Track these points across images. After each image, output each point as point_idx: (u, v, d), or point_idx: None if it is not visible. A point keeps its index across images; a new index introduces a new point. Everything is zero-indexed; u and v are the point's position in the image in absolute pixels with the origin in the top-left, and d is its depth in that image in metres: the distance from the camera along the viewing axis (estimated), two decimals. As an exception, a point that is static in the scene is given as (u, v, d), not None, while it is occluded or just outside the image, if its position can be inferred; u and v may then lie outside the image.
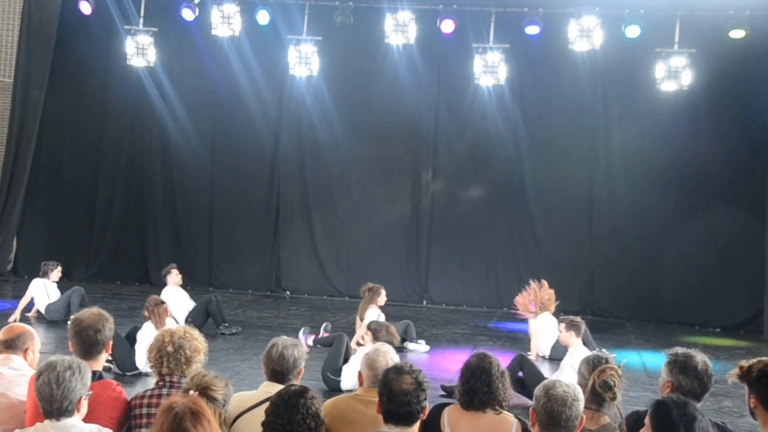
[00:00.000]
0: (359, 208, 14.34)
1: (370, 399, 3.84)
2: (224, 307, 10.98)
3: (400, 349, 9.90)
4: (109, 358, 7.96)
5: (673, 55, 12.16)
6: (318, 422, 3.48)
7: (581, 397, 3.28)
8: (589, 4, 12.14)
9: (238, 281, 14.41)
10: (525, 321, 10.69)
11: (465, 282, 13.96)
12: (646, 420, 3.12)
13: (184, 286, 11.12)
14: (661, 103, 12.77)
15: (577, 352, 7.44)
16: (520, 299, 10.37)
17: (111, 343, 4.06)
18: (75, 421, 3.35)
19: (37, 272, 10.92)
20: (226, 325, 10.35)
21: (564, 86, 13.38)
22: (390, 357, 4.19)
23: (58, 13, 13.46)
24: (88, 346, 3.92)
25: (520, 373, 7.54)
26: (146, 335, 7.76)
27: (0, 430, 3.77)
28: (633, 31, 12.09)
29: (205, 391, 3.47)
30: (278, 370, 4.07)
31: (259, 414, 3.60)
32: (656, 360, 9.61)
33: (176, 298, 10.48)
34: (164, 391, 3.91)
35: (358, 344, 9.08)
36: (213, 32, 12.99)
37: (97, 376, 3.82)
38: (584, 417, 3.29)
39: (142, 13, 13.37)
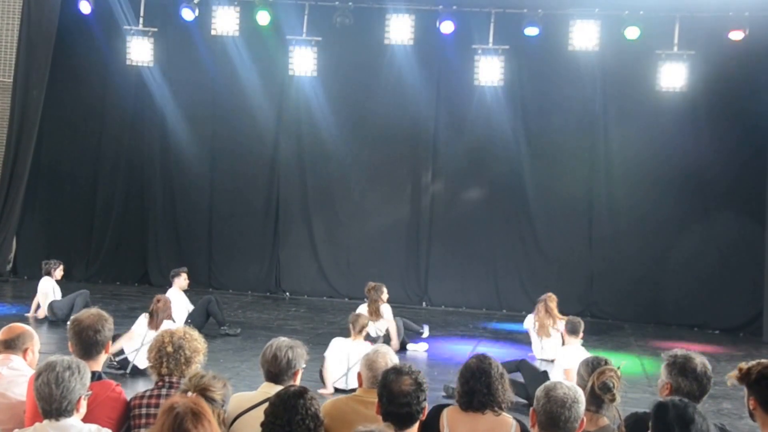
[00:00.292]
0: (359, 210, 14.34)
1: (369, 400, 3.84)
2: (224, 308, 11.01)
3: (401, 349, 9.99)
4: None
5: (673, 56, 12.16)
6: (317, 423, 3.48)
7: (582, 400, 3.28)
8: (588, 5, 12.16)
9: (237, 282, 14.41)
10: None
11: (464, 283, 13.96)
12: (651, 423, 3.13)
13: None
14: (661, 104, 12.78)
15: (571, 350, 7.48)
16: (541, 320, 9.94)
17: (110, 343, 4.05)
18: (74, 421, 3.35)
19: (37, 272, 10.92)
20: (228, 325, 10.40)
21: (563, 87, 13.38)
22: (390, 358, 4.19)
23: (58, 12, 13.47)
24: (87, 347, 3.92)
25: (516, 375, 7.55)
26: (138, 326, 8.11)
27: (-1, 430, 3.78)
28: (632, 33, 12.09)
29: (203, 391, 3.46)
30: (272, 371, 4.08)
31: (259, 414, 3.60)
32: (655, 361, 9.61)
33: (178, 301, 10.49)
34: (163, 391, 3.90)
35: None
36: (213, 32, 13.01)
37: (96, 376, 3.82)
38: (584, 420, 3.29)
39: (141, 13, 13.39)
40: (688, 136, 12.92)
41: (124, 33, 13.38)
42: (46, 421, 3.33)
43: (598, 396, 3.60)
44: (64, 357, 3.45)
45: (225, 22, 12.88)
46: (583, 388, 3.60)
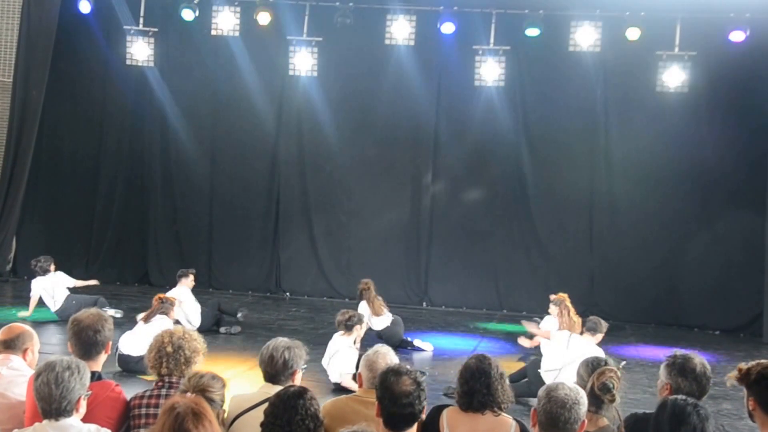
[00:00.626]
0: (359, 210, 14.34)
1: (369, 400, 3.84)
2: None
3: (407, 345, 10.11)
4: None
5: (674, 57, 12.16)
6: (317, 423, 3.48)
7: (583, 401, 3.28)
8: (589, 6, 12.16)
9: (237, 282, 14.41)
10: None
11: (465, 284, 13.96)
12: None
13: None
14: (662, 105, 12.78)
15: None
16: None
17: (110, 343, 4.06)
18: (74, 421, 3.35)
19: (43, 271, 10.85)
20: (228, 325, 10.57)
21: (564, 88, 13.38)
22: (389, 358, 4.19)
23: (58, 12, 13.45)
24: (87, 347, 3.93)
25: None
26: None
27: (-1, 430, 3.78)
28: (633, 34, 12.09)
29: (202, 392, 3.47)
30: (269, 372, 4.10)
31: (258, 415, 3.60)
32: (655, 361, 9.60)
33: (189, 299, 10.55)
34: (163, 391, 3.91)
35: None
36: (213, 32, 13.00)
37: (96, 376, 3.83)
38: (585, 421, 3.29)
39: (141, 13, 13.38)
40: (688, 137, 12.92)
41: (124, 33, 13.38)
42: (45, 421, 3.33)
43: (598, 396, 3.60)
44: (64, 357, 3.46)
45: (225, 22, 12.88)
46: (583, 388, 3.60)
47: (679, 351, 3.93)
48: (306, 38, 13.02)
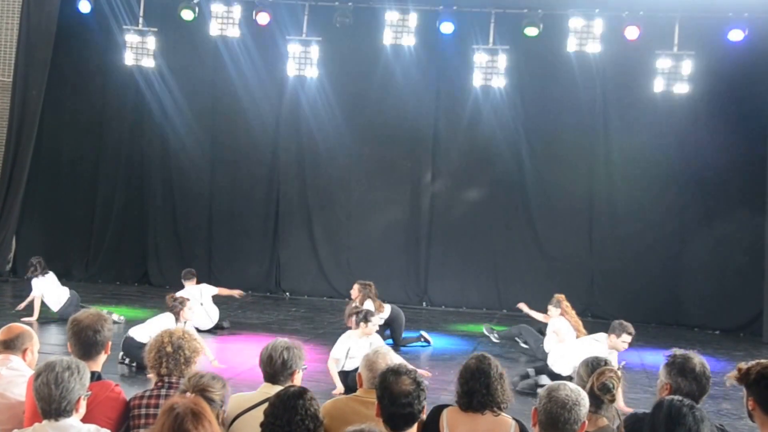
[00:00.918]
0: (359, 209, 14.34)
1: (369, 400, 3.84)
2: (223, 307, 11.19)
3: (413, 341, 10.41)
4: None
5: (673, 56, 12.16)
6: (317, 423, 3.49)
7: (584, 403, 3.28)
8: (588, 5, 12.16)
9: (237, 282, 14.29)
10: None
11: (465, 283, 13.96)
12: None
13: (182, 286, 11.11)
14: (660, 104, 12.78)
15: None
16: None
17: (110, 343, 4.06)
18: (73, 421, 3.35)
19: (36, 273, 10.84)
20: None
21: (564, 87, 13.38)
22: (390, 358, 4.19)
23: (58, 12, 13.45)
24: (86, 347, 3.92)
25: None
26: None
27: (-2, 430, 3.78)
28: (632, 33, 12.09)
29: (202, 392, 3.47)
30: (268, 372, 4.11)
31: (258, 415, 3.61)
32: (655, 362, 9.61)
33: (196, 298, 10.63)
34: (163, 391, 3.91)
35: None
36: (212, 32, 12.99)
37: (95, 376, 3.83)
38: (586, 423, 3.29)
39: (141, 13, 13.37)
40: (687, 137, 12.93)
41: (124, 33, 13.37)
42: (45, 422, 3.33)
43: (598, 396, 3.60)
44: (64, 357, 3.45)
45: (224, 21, 12.86)
46: (583, 388, 3.60)
47: (678, 350, 3.92)
48: (305, 38, 13.02)
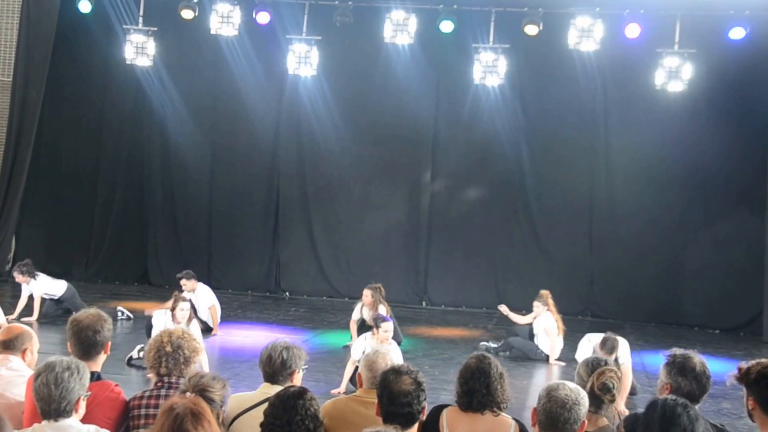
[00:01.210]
0: (359, 209, 14.33)
1: (369, 400, 3.84)
2: (223, 307, 11.13)
3: None
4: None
5: (674, 55, 12.15)
6: (317, 423, 3.49)
7: (584, 402, 3.27)
8: (589, 3, 12.13)
9: (237, 282, 14.40)
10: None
11: (464, 283, 13.96)
12: None
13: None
14: (661, 102, 12.77)
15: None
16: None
17: (110, 344, 4.05)
18: (73, 421, 3.35)
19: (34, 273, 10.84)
20: None
21: (564, 86, 13.37)
22: (389, 358, 4.20)
23: (57, 12, 13.44)
24: (86, 347, 3.92)
25: None
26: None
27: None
28: (633, 31, 12.08)
29: (202, 392, 3.46)
30: (268, 371, 4.11)
31: (258, 415, 3.61)
32: (655, 361, 9.61)
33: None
34: (162, 392, 3.90)
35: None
36: (212, 32, 12.98)
37: (95, 376, 3.82)
38: (586, 422, 3.29)
39: (141, 13, 13.36)
40: (688, 135, 12.92)
41: (124, 32, 13.36)
42: (44, 422, 3.33)
43: (598, 396, 3.60)
44: (64, 357, 3.45)
45: (224, 20, 12.85)
46: (583, 388, 3.60)
47: (678, 350, 3.92)
48: (305, 37, 13.01)
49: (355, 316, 10.24)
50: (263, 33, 13.42)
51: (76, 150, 14.74)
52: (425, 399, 3.49)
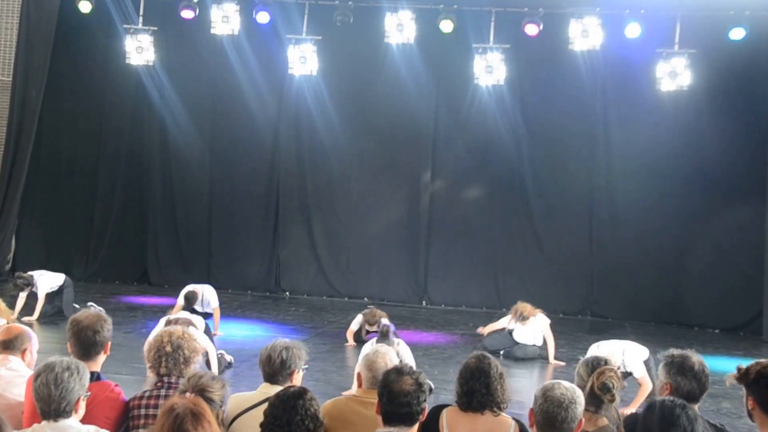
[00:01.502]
0: (359, 209, 14.33)
1: (369, 400, 3.85)
2: (223, 307, 11.12)
3: None
4: None
5: (674, 55, 12.15)
6: (317, 423, 3.49)
7: (580, 401, 3.27)
8: (589, 4, 12.14)
9: (237, 281, 14.39)
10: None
11: (464, 283, 13.96)
12: None
13: (181, 286, 11.10)
14: (662, 103, 12.78)
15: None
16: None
17: (109, 344, 4.05)
18: (73, 422, 3.35)
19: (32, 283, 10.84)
20: None
21: (564, 86, 13.37)
22: (389, 358, 4.19)
23: (57, 11, 13.44)
24: (86, 347, 3.92)
25: None
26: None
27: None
28: (633, 32, 12.09)
29: (201, 392, 3.46)
30: (267, 371, 4.11)
31: (258, 415, 3.61)
32: (655, 361, 9.61)
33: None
34: (162, 392, 3.91)
35: None
36: (212, 31, 12.99)
37: (95, 377, 3.82)
38: (583, 420, 3.29)
39: (141, 12, 13.36)
40: (688, 136, 12.92)
41: (124, 32, 13.36)
42: (44, 422, 3.32)
43: (598, 396, 3.60)
44: (63, 358, 3.45)
45: (225, 20, 12.85)
46: (583, 388, 3.60)
47: (675, 350, 3.93)
48: (305, 37, 13.01)
49: (354, 326, 10.25)
50: (263, 33, 13.42)
51: (75, 150, 14.74)
52: (425, 400, 3.49)
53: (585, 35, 12.16)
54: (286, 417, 3.42)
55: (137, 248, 14.80)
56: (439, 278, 14.08)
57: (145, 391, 3.95)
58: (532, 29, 12.33)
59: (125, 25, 13.31)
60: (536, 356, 9.96)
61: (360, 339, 10.15)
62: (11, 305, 10.57)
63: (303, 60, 13.01)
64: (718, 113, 12.74)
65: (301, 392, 3.53)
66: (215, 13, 12.74)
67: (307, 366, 4.24)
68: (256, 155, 14.49)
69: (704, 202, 13.01)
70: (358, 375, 4.23)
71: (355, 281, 14.13)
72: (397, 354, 8.57)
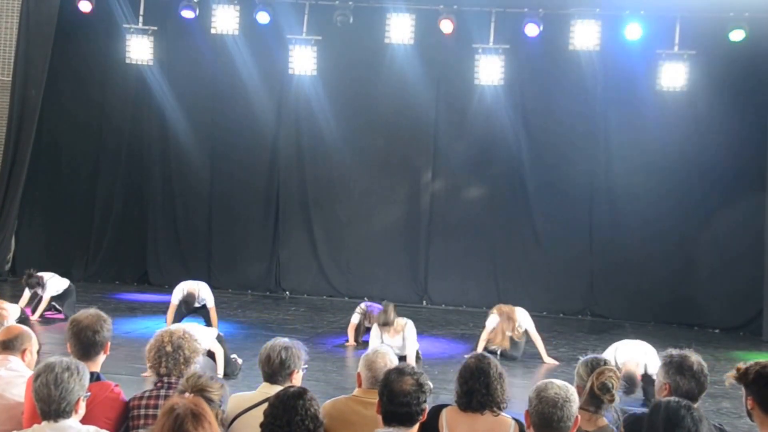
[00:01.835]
0: (359, 209, 14.34)
1: (369, 400, 3.85)
2: (224, 307, 11.14)
3: None
4: None
5: (673, 56, 12.16)
6: (317, 424, 3.49)
7: (574, 398, 3.28)
8: (589, 4, 12.15)
9: (237, 281, 14.40)
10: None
11: (465, 282, 13.96)
12: None
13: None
14: (661, 104, 12.78)
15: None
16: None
17: (109, 344, 4.05)
18: (73, 422, 3.35)
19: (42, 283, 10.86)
20: None
21: (564, 87, 13.38)
22: (389, 358, 4.20)
23: (57, 11, 13.44)
24: (86, 347, 3.92)
25: None
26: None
27: (-3, 431, 3.78)
28: (633, 33, 12.09)
29: (200, 392, 3.46)
30: (267, 371, 4.10)
31: (258, 415, 3.61)
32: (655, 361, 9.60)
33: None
34: (162, 392, 3.91)
35: None
36: (213, 31, 13.00)
37: (95, 377, 3.83)
38: (579, 417, 3.29)
39: (141, 12, 13.36)
40: (687, 137, 12.93)
41: (124, 32, 13.37)
42: (44, 423, 3.33)
43: (597, 396, 3.60)
44: (63, 358, 3.45)
45: (225, 20, 12.87)
46: (582, 388, 3.61)
47: (674, 350, 3.93)
48: (305, 37, 13.02)
49: (355, 320, 10.24)
50: (263, 33, 13.42)
51: (75, 149, 14.74)
52: (425, 401, 3.49)
53: (585, 36, 12.17)
54: (286, 417, 3.42)
55: (137, 248, 14.80)
56: (439, 278, 14.09)
57: (144, 392, 3.95)
58: (532, 30, 12.36)
59: (125, 25, 13.32)
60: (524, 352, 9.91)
61: (361, 338, 10.15)
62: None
63: (303, 60, 13.02)
64: (717, 114, 12.74)
65: (301, 392, 3.53)
66: (215, 13, 12.74)
67: (307, 366, 4.23)
68: (256, 155, 14.50)
69: (704, 202, 13.01)
70: (358, 375, 4.24)
71: (355, 281, 14.12)
72: (403, 339, 8.69)
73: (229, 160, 14.60)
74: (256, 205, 14.58)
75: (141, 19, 13.32)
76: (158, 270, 14.51)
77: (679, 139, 12.95)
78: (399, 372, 3.52)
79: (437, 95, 13.96)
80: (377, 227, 14.22)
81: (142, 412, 3.83)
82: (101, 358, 4.02)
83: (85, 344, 3.92)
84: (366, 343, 9.62)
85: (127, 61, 13.38)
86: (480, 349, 9.92)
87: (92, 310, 4.09)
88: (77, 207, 14.72)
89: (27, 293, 10.63)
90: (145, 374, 4.03)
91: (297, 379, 4.12)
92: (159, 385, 3.97)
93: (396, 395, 3.41)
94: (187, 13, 12.84)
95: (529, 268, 13.76)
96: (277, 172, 14.50)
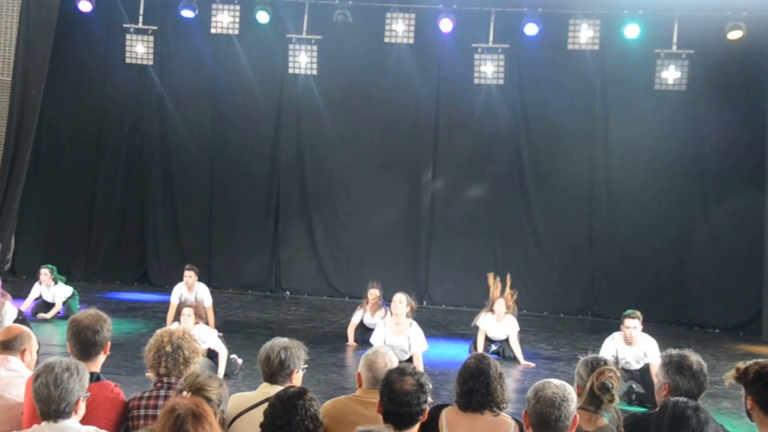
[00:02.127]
0: (359, 208, 14.34)
1: (369, 400, 3.85)
2: (224, 307, 11.14)
3: None
4: None
5: (672, 55, 12.17)
6: (317, 424, 3.48)
7: (572, 398, 3.28)
8: (588, 4, 12.16)
9: (237, 281, 14.41)
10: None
11: (465, 282, 13.94)
12: None
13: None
14: (660, 103, 12.80)
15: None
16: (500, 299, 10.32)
17: (109, 344, 4.05)
18: (72, 422, 3.34)
19: (36, 271, 10.90)
20: None
21: (563, 86, 13.39)
22: (389, 358, 4.19)
23: (57, 10, 13.44)
24: (86, 348, 3.91)
25: None
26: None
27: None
28: (632, 32, 12.10)
29: (198, 391, 3.46)
30: (266, 372, 4.09)
31: (258, 414, 3.60)
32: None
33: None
34: (162, 392, 3.90)
35: None
36: (212, 31, 13.00)
37: (95, 377, 3.82)
38: (577, 417, 3.29)
39: (141, 12, 13.37)
40: (686, 135, 12.94)
41: (124, 31, 13.37)
42: (44, 423, 3.32)
43: (597, 396, 3.60)
44: (63, 358, 3.44)
45: (225, 20, 12.88)
46: (582, 388, 3.60)
47: (673, 350, 3.93)
48: (305, 36, 13.02)
49: (355, 319, 10.26)
50: (263, 32, 13.42)
51: (75, 149, 14.75)
52: (426, 401, 3.49)
53: (584, 35, 12.18)
54: (286, 417, 3.42)
55: (137, 248, 14.81)
56: (439, 278, 14.10)
57: (144, 392, 3.94)
58: (531, 29, 12.36)
59: (125, 25, 13.32)
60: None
61: (361, 338, 10.15)
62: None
63: (303, 59, 13.02)
64: (716, 113, 12.76)
65: (301, 392, 3.52)
66: (215, 13, 12.74)
67: (307, 366, 4.23)
68: (256, 155, 14.50)
69: (704, 202, 13.02)
70: (358, 375, 4.23)
71: (355, 281, 14.08)
72: (408, 338, 8.68)
73: (229, 159, 14.61)
74: (257, 205, 14.58)
75: (141, 18, 13.33)
76: (158, 270, 14.52)
77: (678, 138, 12.96)
78: (400, 372, 3.52)
79: (437, 94, 13.97)
80: (378, 227, 14.22)
81: (142, 412, 3.82)
82: (101, 358, 4.00)
83: (85, 344, 3.91)
84: (366, 343, 9.61)
85: (127, 60, 13.38)
86: (480, 349, 9.94)
87: (92, 310, 4.07)
88: (77, 207, 14.73)
89: (37, 289, 10.65)
90: (149, 374, 4.02)
91: (297, 379, 4.11)
92: (159, 385, 3.96)
93: (397, 395, 3.41)
94: (187, 13, 12.85)
95: (529, 267, 13.76)
96: (277, 172, 14.50)
